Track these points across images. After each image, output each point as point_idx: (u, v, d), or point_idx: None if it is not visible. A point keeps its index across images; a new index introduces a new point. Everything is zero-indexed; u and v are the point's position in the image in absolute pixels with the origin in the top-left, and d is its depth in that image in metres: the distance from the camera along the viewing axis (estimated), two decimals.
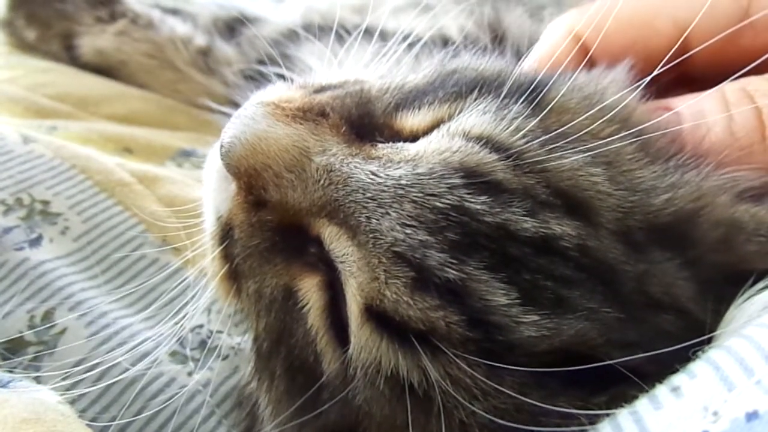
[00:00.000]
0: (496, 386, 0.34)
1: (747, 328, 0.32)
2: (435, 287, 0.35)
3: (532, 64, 0.50)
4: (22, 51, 0.86)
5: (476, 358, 0.34)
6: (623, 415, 0.32)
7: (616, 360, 0.34)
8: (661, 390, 0.32)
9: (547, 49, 0.50)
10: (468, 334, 0.35)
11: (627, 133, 0.40)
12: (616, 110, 0.41)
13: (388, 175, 0.38)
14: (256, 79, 0.77)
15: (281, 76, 0.64)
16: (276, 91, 0.45)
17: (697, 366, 0.32)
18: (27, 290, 0.54)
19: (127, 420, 0.51)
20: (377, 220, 0.36)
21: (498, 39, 0.69)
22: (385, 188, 0.37)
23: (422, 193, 0.36)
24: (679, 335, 0.36)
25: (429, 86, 0.45)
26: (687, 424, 0.29)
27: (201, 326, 0.57)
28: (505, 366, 0.34)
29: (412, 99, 0.44)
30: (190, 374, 0.55)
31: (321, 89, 0.45)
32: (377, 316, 0.36)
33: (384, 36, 0.59)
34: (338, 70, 0.57)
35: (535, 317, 0.35)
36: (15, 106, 0.74)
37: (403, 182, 0.37)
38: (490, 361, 0.34)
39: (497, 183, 0.37)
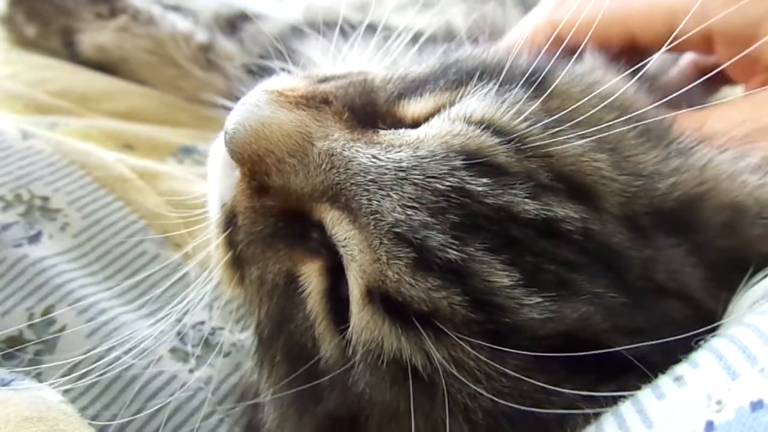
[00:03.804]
0: (500, 367, 0.34)
1: (749, 317, 0.32)
2: (437, 267, 0.35)
3: (505, 46, 0.52)
4: (23, 47, 0.86)
5: (480, 341, 0.34)
6: (625, 405, 0.32)
7: (622, 347, 0.34)
8: (664, 380, 0.32)
9: (524, 34, 0.51)
10: (471, 315, 0.35)
11: (628, 118, 0.40)
12: (616, 97, 0.41)
13: (389, 158, 0.38)
14: (258, 74, 0.77)
15: (285, 71, 0.64)
16: (280, 81, 0.45)
17: (699, 355, 0.32)
18: (26, 287, 0.54)
19: (128, 418, 0.50)
20: (378, 201, 0.36)
21: (499, 36, 0.69)
22: (386, 171, 0.37)
23: (423, 175, 0.37)
24: (686, 324, 0.35)
25: (431, 75, 0.45)
26: (690, 414, 0.28)
27: (202, 323, 0.57)
28: (509, 350, 0.34)
29: (414, 88, 0.44)
30: (191, 371, 0.54)
31: (325, 79, 0.46)
32: (379, 298, 0.36)
33: (386, 32, 0.59)
34: (342, 64, 0.57)
35: (539, 299, 0.35)
36: (15, 103, 0.73)
37: (403, 165, 0.37)
38: (494, 343, 0.34)
39: (499, 166, 0.37)
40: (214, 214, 0.47)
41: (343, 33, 0.63)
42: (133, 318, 0.56)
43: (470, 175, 0.36)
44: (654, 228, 0.38)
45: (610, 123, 0.39)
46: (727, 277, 0.37)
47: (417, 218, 0.35)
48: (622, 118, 0.40)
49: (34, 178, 0.60)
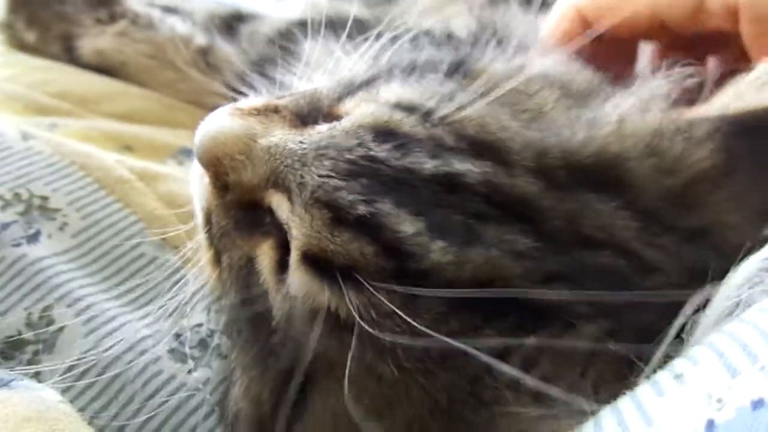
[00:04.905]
0: (414, 312, 0.37)
1: (749, 313, 0.32)
2: (350, 223, 0.39)
3: (541, 42, 0.54)
4: (22, 52, 0.86)
5: (393, 287, 0.38)
6: (624, 401, 0.32)
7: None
8: (664, 376, 0.32)
9: (552, 28, 0.52)
10: (382, 264, 0.38)
11: (547, 82, 0.44)
12: (541, 72, 0.45)
13: (311, 140, 0.43)
14: (258, 74, 0.77)
15: (283, 73, 0.64)
16: (243, 101, 0.50)
17: (699, 352, 0.32)
18: (24, 287, 0.54)
19: (127, 418, 0.51)
20: (302, 176, 0.41)
21: (499, 37, 0.69)
22: (309, 150, 0.42)
23: (337, 150, 0.42)
24: (619, 273, 0.38)
25: (371, 77, 0.50)
26: (691, 412, 0.28)
27: (201, 325, 0.57)
28: (417, 289, 0.37)
29: (354, 89, 0.49)
30: (189, 372, 0.55)
31: (282, 97, 0.50)
32: (310, 259, 0.40)
33: (386, 33, 0.60)
34: (339, 66, 0.57)
35: (443, 243, 0.38)
36: (15, 104, 0.74)
37: (322, 143, 0.42)
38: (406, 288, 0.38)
39: (403, 134, 0.42)
40: (198, 217, 0.50)
41: (342, 34, 0.63)
42: (131, 318, 0.56)
43: (376, 144, 0.41)
44: (573, 183, 0.41)
45: (525, 90, 0.43)
46: (665, 220, 0.40)
47: (331, 184, 0.40)
48: (545, 88, 0.44)
49: (34, 177, 0.60)
